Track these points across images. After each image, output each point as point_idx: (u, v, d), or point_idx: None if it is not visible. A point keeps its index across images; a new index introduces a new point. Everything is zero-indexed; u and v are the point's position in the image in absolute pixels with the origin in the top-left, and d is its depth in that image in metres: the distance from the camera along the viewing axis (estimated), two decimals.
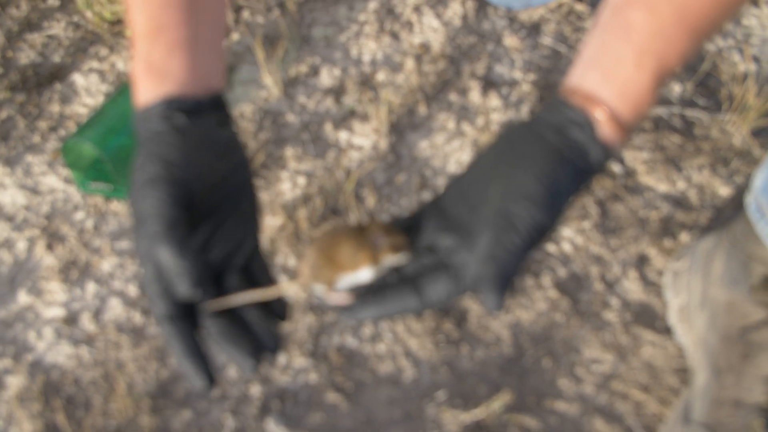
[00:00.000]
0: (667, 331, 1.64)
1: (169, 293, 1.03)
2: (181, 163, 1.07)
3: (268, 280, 1.13)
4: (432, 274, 1.02)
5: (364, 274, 1.07)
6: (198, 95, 1.12)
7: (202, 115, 1.12)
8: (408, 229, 1.12)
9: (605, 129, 0.99)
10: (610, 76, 0.99)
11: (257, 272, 1.13)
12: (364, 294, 1.05)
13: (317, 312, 1.69)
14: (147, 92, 1.11)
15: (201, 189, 1.08)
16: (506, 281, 0.94)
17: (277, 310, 1.10)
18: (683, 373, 1.57)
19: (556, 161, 0.99)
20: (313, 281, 1.08)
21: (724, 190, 1.87)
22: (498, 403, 1.51)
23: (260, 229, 1.17)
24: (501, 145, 1.06)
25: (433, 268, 1.04)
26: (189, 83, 1.13)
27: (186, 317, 1.05)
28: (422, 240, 1.09)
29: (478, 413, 1.51)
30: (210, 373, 1.03)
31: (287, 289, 1.14)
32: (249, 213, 1.15)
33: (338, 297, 1.07)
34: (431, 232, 1.08)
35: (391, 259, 1.08)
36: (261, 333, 1.07)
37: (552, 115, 1.02)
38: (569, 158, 0.99)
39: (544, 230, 0.98)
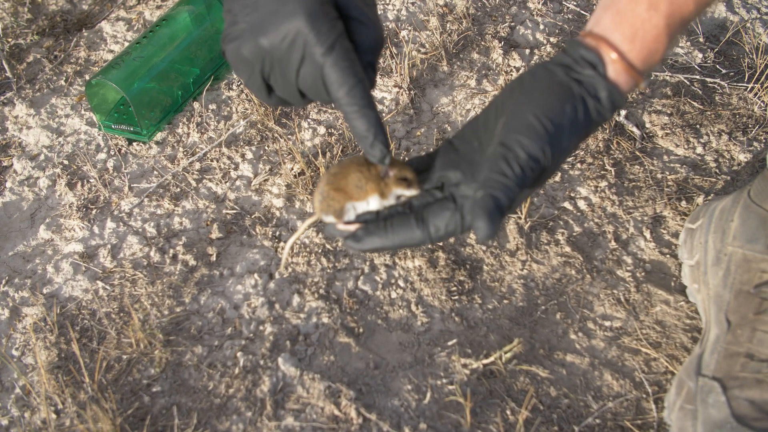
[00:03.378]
0: (679, 290, 1.59)
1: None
2: None
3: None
4: (436, 207, 1.00)
5: (372, 204, 1.06)
6: None
7: None
8: (424, 168, 1.11)
9: (615, 69, 0.96)
10: (623, 16, 0.96)
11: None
12: (371, 225, 1.03)
13: (331, 257, 1.65)
14: None
15: None
16: (498, 211, 0.91)
17: None
18: (694, 331, 1.52)
19: (561, 96, 0.96)
20: (324, 211, 1.07)
21: (742, 156, 1.81)
22: (508, 353, 1.47)
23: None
24: (513, 84, 1.03)
25: (438, 201, 1.02)
26: None
27: None
28: (433, 176, 1.07)
29: (488, 362, 1.47)
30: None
31: (306, 224, 1.15)
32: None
33: (347, 228, 1.06)
34: (441, 167, 1.06)
35: (399, 192, 1.05)
36: None
37: (564, 54, 0.99)
38: (577, 94, 0.96)
39: (540, 163, 0.94)
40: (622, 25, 0.95)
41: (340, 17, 0.99)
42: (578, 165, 1.81)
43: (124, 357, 1.52)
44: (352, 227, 1.05)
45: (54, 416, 1.43)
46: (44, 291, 1.65)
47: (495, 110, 1.03)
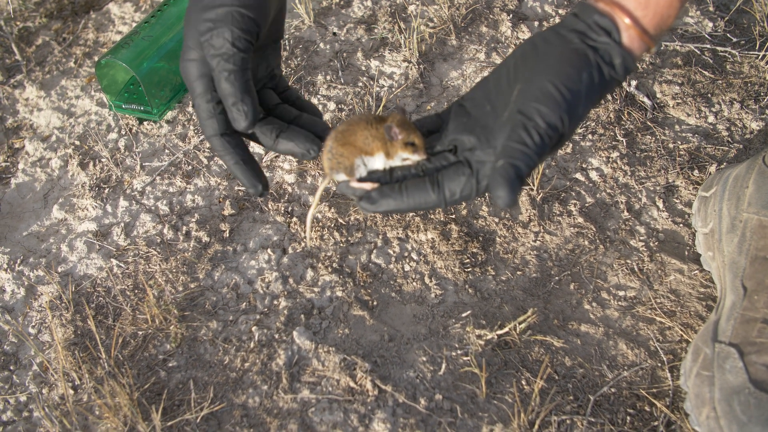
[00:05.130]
0: (693, 259, 1.57)
1: (221, 117, 1.09)
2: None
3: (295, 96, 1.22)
4: (452, 171, 1.01)
5: (378, 160, 1.05)
6: None
7: None
8: (434, 129, 1.11)
9: (629, 35, 0.95)
10: None
11: (285, 89, 1.22)
12: (385, 187, 1.03)
13: (344, 231, 1.64)
14: None
15: (264, 24, 1.09)
16: (519, 179, 0.92)
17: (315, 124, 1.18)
18: (708, 300, 1.50)
19: (578, 63, 0.95)
20: (335, 169, 1.06)
21: (755, 125, 1.79)
22: (523, 323, 1.45)
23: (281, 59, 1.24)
24: (525, 48, 1.02)
25: (452, 165, 1.02)
26: None
27: (235, 133, 1.11)
28: (445, 138, 1.07)
29: (502, 333, 1.45)
30: (262, 180, 1.12)
31: (321, 187, 1.16)
32: (279, 46, 1.21)
33: (361, 186, 1.05)
34: (454, 131, 1.05)
35: (404, 156, 1.05)
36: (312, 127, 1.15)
37: (577, 19, 0.98)
38: (593, 61, 0.95)
39: (558, 132, 0.94)
40: None
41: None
42: (589, 136, 1.79)
43: (140, 333, 1.51)
44: (367, 185, 1.04)
45: (72, 392, 1.43)
46: (59, 270, 1.65)
47: (507, 74, 1.02)
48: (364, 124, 1.05)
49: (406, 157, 1.05)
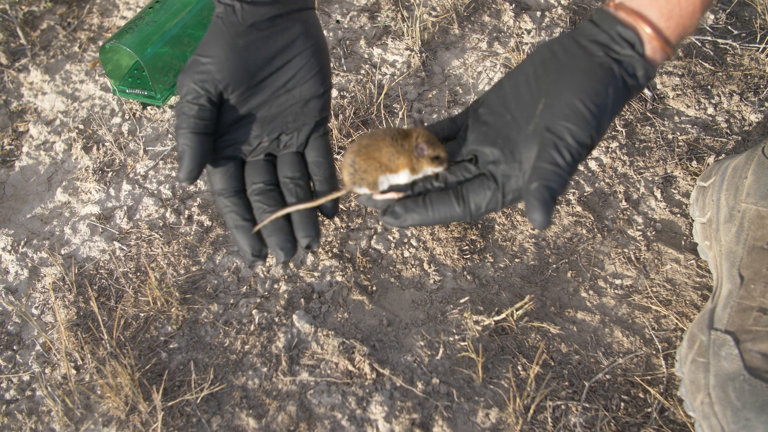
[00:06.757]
0: (689, 249, 1.57)
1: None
2: (221, 55, 1.06)
3: (325, 166, 1.13)
4: (476, 184, 0.99)
5: (401, 178, 1.04)
6: None
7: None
8: (449, 135, 1.09)
9: (652, 47, 0.94)
10: None
11: (315, 155, 1.14)
12: (409, 201, 1.02)
13: (344, 217, 1.64)
14: None
15: (240, 77, 1.07)
16: (553, 200, 0.91)
17: (324, 208, 1.11)
18: (704, 289, 1.51)
19: (604, 78, 0.94)
20: (357, 184, 1.04)
21: (753, 117, 1.79)
22: (520, 310, 1.46)
23: (322, 115, 1.15)
24: (544, 56, 1.00)
25: (476, 178, 1.01)
26: None
27: (241, 192, 1.09)
28: (465, 148, 1.05)
29: (499, 319, 1.46)
30: (260, 246, 1.06)
31: (332, 197, 1.10)
32: (306, 98, 1.12)
33: (384, 197, 1.04)
34: (474, 142, 1.04)
35: (430, 170, 1.03)
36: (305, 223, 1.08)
37: (598, 29, 0.96)
38: (618, 75, 0.94)
39: (587, 149, 0.93)
40: (658, 1, 0.93)
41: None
42: None
43: (142, 315, 1.52)
44: (391, 195, 1.03)
45: (74, 372, 1.44)
46: (62, 252, 1.65)
47: (526, 82, 1.00)
48: (389, 140, 1.03)
49: (431, 171, 1.04)
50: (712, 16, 2.02)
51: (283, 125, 1.12)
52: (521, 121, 0.99)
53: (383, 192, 1.04)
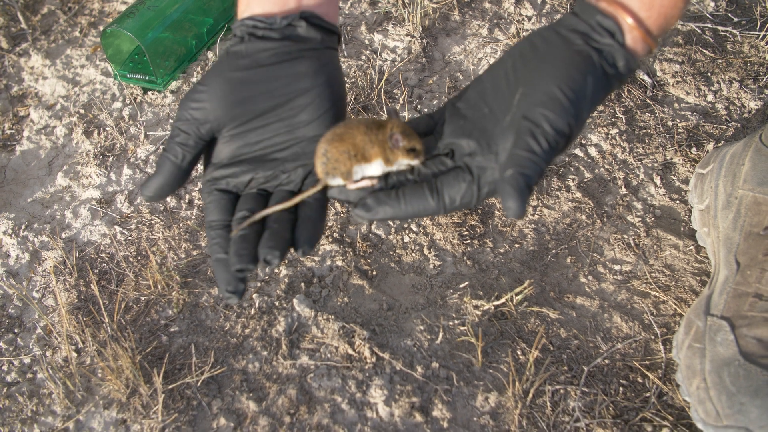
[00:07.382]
0: (688, 235, 1.58)
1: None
2: (219, 94, 1.03)
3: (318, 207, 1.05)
4: (451, 177, 0.97)
5: (377, 167, 1.01)
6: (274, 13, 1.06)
7: (273, 35, 1.05)
8: (427, 131, 1.06)
9: (633, 37, 0.93)
10: None
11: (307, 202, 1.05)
12: (381, 194, 0.98)
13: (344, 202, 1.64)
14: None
15: (233, 112, 1.04)
16: (528, 188, 0.88)
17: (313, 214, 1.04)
18: (702, 275, 1.51)
19: (582, 67, 0.92)
20: (330, 174, 1.01)
21: (753, 104, 1.79)
22: (519, 295, 1.46)
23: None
24: (523, 48, 0.98)
25: (451, 170, 0.98)
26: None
27: (230, 226, 1.03)
28: (441, 142, 1.03)
29: (499, 304, 1.46)
30: (235, 283, 1.00)
31: (308, 194, 1.04)
32: (309, 138, 1.06)
33: (360, 184, 1.01)
34: (451, 134, 1.01)
35: (405, 162, 1.01)
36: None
37: (578, 19, 0.95)
38: (597, 64, 0.92)
39: (565, 137, 0.91)
40: None
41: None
42: None
43: (142, 298, 1.52)
44: (364, 183, 1.00)
45: (75, 354, 1.44)
46: (63, 236, 1.65)
47: (505, 75, 0.98)
48: (363, 128, 1.00)
49: (406, 163, 1.01)
50: (712, 4, 2.02)
51: (281, 164, 1.06)
52: (498, 113, 0.97)
53: (357, 181, 1.01)
